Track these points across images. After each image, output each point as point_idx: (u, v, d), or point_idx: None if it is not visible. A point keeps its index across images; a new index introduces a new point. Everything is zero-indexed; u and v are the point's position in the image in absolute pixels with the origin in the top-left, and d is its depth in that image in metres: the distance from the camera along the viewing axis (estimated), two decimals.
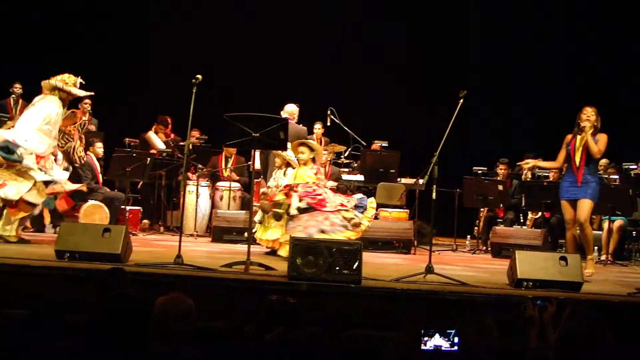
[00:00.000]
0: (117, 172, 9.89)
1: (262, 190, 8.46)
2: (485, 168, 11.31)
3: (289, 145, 7.65)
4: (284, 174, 8.27)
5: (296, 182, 7.84)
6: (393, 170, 10.75)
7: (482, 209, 10.77)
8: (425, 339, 3.39)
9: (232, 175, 10.95)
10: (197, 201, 10.58)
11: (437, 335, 3.39)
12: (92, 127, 10.89)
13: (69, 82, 7.68)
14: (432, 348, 3.39)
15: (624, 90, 12.66)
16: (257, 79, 12.99)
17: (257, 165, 8.58)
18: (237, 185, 10.84)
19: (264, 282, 6.03)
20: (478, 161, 11.38)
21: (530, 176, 10.89)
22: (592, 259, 7.57)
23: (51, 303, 4.55)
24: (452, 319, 4.28)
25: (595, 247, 9.74)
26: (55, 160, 7.87)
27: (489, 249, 10.17)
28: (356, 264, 5.95)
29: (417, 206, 10.03)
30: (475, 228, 11.08)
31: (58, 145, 7.91)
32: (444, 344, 3.40)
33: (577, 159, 7.39)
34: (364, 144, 11.44)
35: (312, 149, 7.97)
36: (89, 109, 10.40)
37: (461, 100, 6.72)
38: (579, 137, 7.40)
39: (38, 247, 7.42)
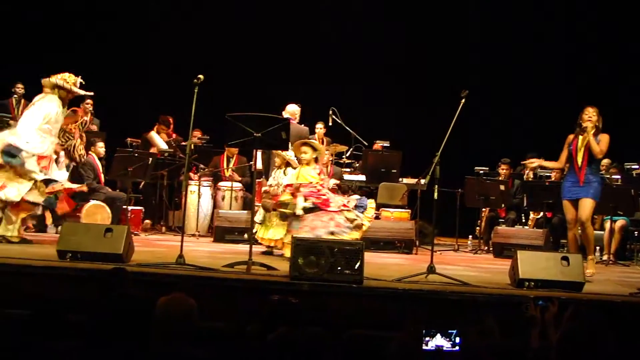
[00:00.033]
0: (119, 172, 9.89)
1: (263, 189, 8.45)
2: (487, 168, 11.31)
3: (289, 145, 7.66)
4: (284, 173, 8.26)
5: (299, 182, 7.81)
6: (395, 170, 10.76)
7: (483, 209, 10.77)
8: (427, 339, 3.39)
9: (234, 175, 10.96)
10: (198, 201, 10.59)
11: (438, 335, 3.39)
12: (94, 127, 10.90)
13: (69, 81, 7.70)
14: (433, 348, 3.39)
15: (624, 90, 12.65)
16: (257, 79, 12.97)
17: (259, 165, 8.58)
18: (238, 185, 10.85)
19: (265, 282, 6.04)
20: (479, 161, 11.38)
21: (532, 176, 10.89)
22: (593, 259, 7.57)
23: (53, 303, 4.57)
24: (453, 319, 4.28)
25: (597, 247, 9.73)
26: (57, 157, 7.88)
27: (491, 249, 10.17)
28: (358, 264, 5.95)
29: (418, 206, 10.02)
30: (477, 228, 11.07)
31: (59, 143, 7.92)
32: (446, 344, 3.40)
33: (579, 159, 7.39)
34: (366, 144, 11.44)
35: (314, 149, 7.96)
36: (91, 109, 10.41)
37: (463, 100, 6.72)
38: (580, 137, 7.40)
39: (40, 247, 7.42)
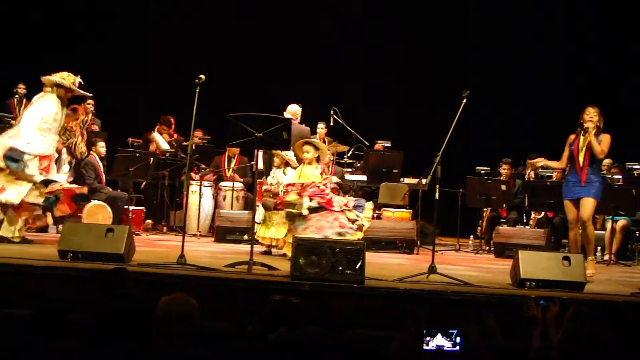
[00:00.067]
0: (120, 172, 9.90)
1: (264, 187, 8.43)
2: (488, 168, 11.31)
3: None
4: (284, 173, 8.25)
5: (301, 181, 7.78)
6: (396, 170, 10.77)
7: (485, 209, 10.77)
8: (428, 339, 3.39)
9: (235, 176, 10.96)
10: (200, 201, 10.59)
11: (439, 335, 3.39)
12: (95, 128, 10.91)
13: (68, 80, 7.71)
14: (434, 348, 3.39)
15: (625, 90, 12.65)
16: (257, 79, 12.97)
17: (260, 165, 8.58)
18: (240, 185, 10.85)
19: (266, 282, 6.04)
20: (481, 161, 11.38)
21: (533, 176, 10.89)
22: (593, 260, 7.52)
23: (54, 303, 4.57)
24: (455, 319, 4.28)
25: (599, 247, 9.74)
26: (59, 155, 7.88)
27: (492, 248, 10.17)
28: (359, 264, 5.95)
29: (420, 206, 10.01)
30: (478, 228, 11.07)
31: (61, 141, 7.93)
32: (446, 344, 3.40)
33: (581, 159, 7.38)
34: (367, 143, 11.45)
35: (317, 148, 7.95)
36: (92, 109, 10.42)
37: (464, 100, 6.72)
38: (582, 137, 7.39)
39: (41, 247, 7.43)
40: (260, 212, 8.16)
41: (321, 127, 11.03)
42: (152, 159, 10.11)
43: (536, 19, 13.43)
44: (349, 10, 13.75)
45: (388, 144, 11.47)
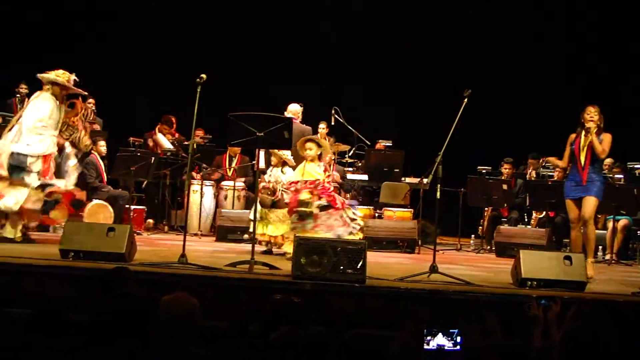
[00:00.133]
0: (121, 171, 9.90)
1: (262, 184, 8.38)
2: (490, 167, 11.30)
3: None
4: (282, 171, 8.24)
5: (305, 179, 7.75)
6: (397, 170, 10.77)
7: (486, 209, 10.77)
8: (429, 338, 3.39)
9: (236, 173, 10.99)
10: (201, 200, 10.59)
11: (440, 334, 3.39)
12: (97, 127, 10.91)
13: (63, 78, 7.71)
14: (435, 347, 3.39)
15: (625, 90, 12.64)
16: (258, 79, 12.96)
17: (262, 164, 8.58)
18: (241, 184, 10.86)
19: (268, 282, 6.04)
20: (482, 161, 11.37)
21: (534, 175, 10.89)
22: (593, 261, 7.42)
23: (55, 302, 4.57)
24: (456, 319, 4.28)
25: (600, 247, 9.74)
26: (63, 150, 7.87)
27: (493, 248, 10.16)
28: (360, 263, 5.95)
29: (421, 205, 10.02)
30: (480, 227, 11.07)
31: (64, 137, 7.93)
32: (447, 344, 3.40)
33: (582, 159, 7.38)
34: (368, 143, 11.45)
35: (319, 146, 7.94)
36: (93, 108, 10.42)
37: (465, 100, 6.72)
38: (583, 136, 7.39)
39: (42, 246, 7.42)
40: (254, 209, 8.15)
41: (322, 127, 11.03)
42: (153, 158, 10.11)
43: (536, 19, 13.42)
44: (349, 10, 13.75)
45: (389, 144, 11.47)
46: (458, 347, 3.40)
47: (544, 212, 10.42)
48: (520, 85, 13.05)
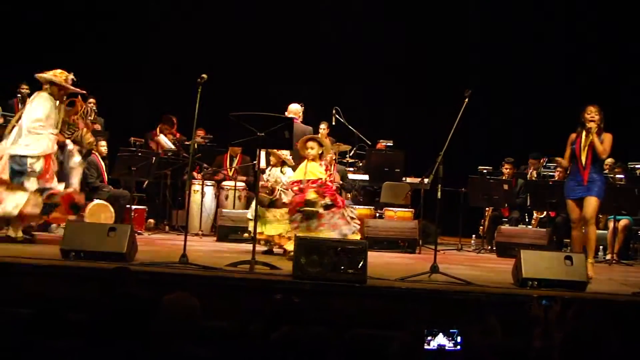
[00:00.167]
0: (122, 171, 9.91)
1: (260, 183, 8.37)
2: (491, 167, 11.30)
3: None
4: (281, 171, 8.23)
5: (307, 178, 7.74)
6: (398, 170, 10.77)
7: (487, 208, 10.77)
8: (429, 338, 3.39)
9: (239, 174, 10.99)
10: (202, 200, 10.59)
11: (440, 334, 3.39)
12: (98, 127, 10.92)
13: (60, 77, 7.72)
14: (435, 347, 3.39)
15: (625, 91, 12.64)
16: (258, 79, 12.95)
17: (263, 164, 8.59)
18: (242, 184, 10.86)
19: (268, 282, 6.04)
20: (483, 160, 11.37)
21: (535, 175, 10.89)
22: (592, 262, 7.38)
23: (56, 302, 4.57)
24: (456, 319, 4.27)
25: (601, 247, 9.74)
26: (65, 147, 7.87)
27: (494, 248, 10.16)
28: (361, 263, 5.95)
29: (422, 205, 10.01)
30: (481, 227, 11.07)
31: (65, 135, 7.93)
32: (448, 344, 3.40)
33: (583, 159, 7.38)
34: (369, 143, 11.45)
35: (320, 145, 7.94)
36: (94, 108, 10.43)
37: (466, 100, 6.71)
38: (583, 136, 7.38)
39: (43, 246, 7.42)
40: (253, 209, 8.16)
41: (323, 128, 11.02)
42: (154, 158, 10.12)
43: (536, 19, 13.41)
44: (349, 10, 13.74)
45: (390, 144, 11.47)
46: (458, 347, 3.40)
47: (545, 212, 10.42)
48: (521, 85, 13.05)
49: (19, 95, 11.12)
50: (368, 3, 13.75)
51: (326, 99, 11.59)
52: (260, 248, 8.17)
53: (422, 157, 8.71)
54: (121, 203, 9.74)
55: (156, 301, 3.61)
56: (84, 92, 8.15)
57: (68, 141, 7.97)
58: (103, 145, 10.17)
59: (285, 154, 8.17)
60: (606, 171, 9.46)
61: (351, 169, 11.44)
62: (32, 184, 7.43)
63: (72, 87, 7.84)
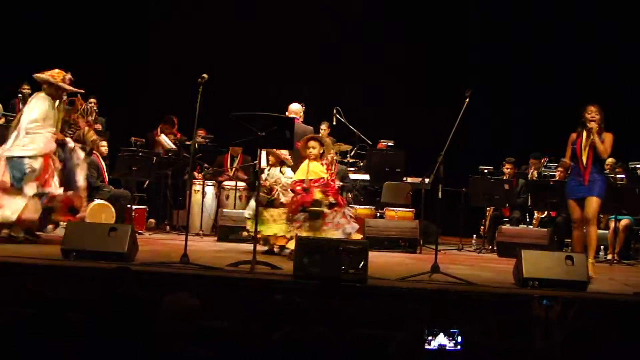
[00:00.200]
0: (123, 171, 9.91)
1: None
2: (492, 167, 11.30)
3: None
4: (281, 171, 8.23)
5: (310, 178, 7.74)
6: (399, 170, 10.76)
7: (488, 208, 10.77)
8: (429, 338, 3.39)
9: (240, 174, 10.97)
10: (203, 200, 10.60)
11: (441, 334, 3.39)
12: (99, 127, 10.91)
13: (58, 77, 7.72)
14: (436, 347, 3.39)
15: (626, 91, 12.63)
16: (258, 79, 12.95)
17: (263, 164, 8.59)
18: (243, 184, 10.86)
19: (269, 282, 6.04)
20: (484, 160, 11.37)
21: (536, 175, 10.88)
22: (593, 262, 7.39)
23: (57, 302, 4.57)
24: (457, 319, 4.27)
25: (602, 247, 9.73)
26: (66, 145, 7.88)
27: (495, 248, 10.15)
28: (362, 263, 5.95)
29: (423, 205, 10.01)
30: (481, 227, 11.07)
31: (67, 134, 7.93)
32: (448, 344, 3.40)
33: (584, 159, 7.37)
34: (370, 143, 11.45)
35: (322, 144, 7.94)
36: (95, 108, 10.43)
37: (467, 100, 6.71)
38: (584, 136, 7.38)
39: (44, 246, 7.42)
40: (250, 208, 8.16)
41: (323, 128, 11.02)
42: (154, 158, 10.12)
43: (536, 19, 13.41)
44: (349, 10, 13.74)
45: (391, 143, 11.47)
46: (459, 347, 3.40)
47: (546, 212, 10.41)
48: (521, 85, 13.05)
49: (20, 95, 11.15)
50: (368, 3, 13.75)
51: (327, 98, 11.59)
52: (261, 248, 8.18)
53: (422, 157, 8.71)
54: (122, 203, 9.74)
55: (156, 301, 3.61)
56: (82, 91, 8.14)
57: (69, 139, 7.97)
58: (103, 146, 10.18)
59: (285, 153, 8.17)
60: (607, 171, 9.45)
61: (352, 168, 11.44)
62: (31, 189, 7.42)
63: (69, 87, 7.84)
